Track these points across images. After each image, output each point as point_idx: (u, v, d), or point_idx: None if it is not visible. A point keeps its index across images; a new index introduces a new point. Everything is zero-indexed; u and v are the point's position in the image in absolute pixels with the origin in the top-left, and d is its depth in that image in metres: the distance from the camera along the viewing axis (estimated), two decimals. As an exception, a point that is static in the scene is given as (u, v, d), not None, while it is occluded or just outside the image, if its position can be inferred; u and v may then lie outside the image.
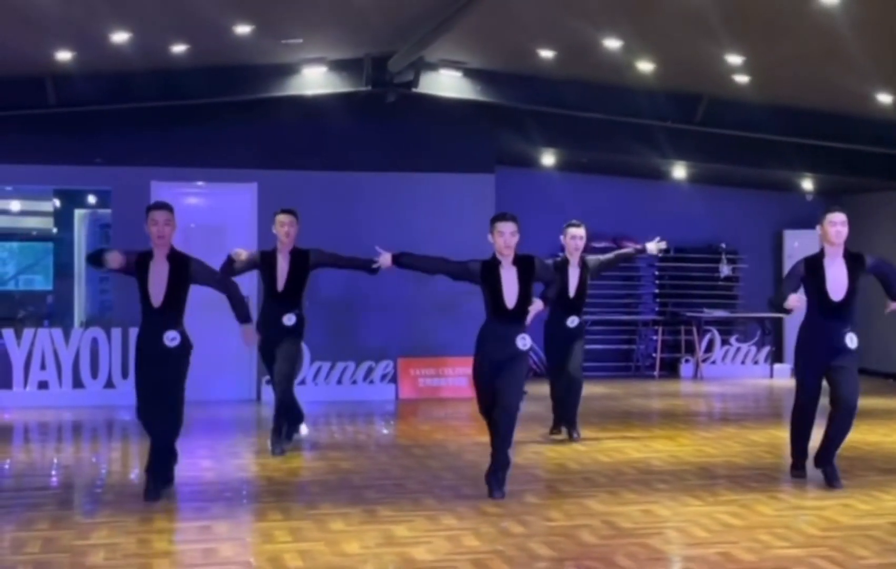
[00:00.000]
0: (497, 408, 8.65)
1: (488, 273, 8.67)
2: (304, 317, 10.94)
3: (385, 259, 9.31)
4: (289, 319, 10.72)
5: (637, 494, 9.02)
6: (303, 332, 10.98)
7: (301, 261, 10.78)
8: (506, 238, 8.60)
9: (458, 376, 15.41)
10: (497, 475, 8.76)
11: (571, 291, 11.42)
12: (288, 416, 10.98)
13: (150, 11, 11.09)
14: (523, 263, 8.70)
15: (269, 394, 14.81)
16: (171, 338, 8.45)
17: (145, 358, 8.57)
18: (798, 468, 9.65)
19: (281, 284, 10.79)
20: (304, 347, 12.56)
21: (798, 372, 9.64)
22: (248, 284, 14.87)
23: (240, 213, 15.09)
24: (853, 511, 8.41)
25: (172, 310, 8.53)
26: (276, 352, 10.74)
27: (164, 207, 8.57)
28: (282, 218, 10.89)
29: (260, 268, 11.01)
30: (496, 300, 8.62)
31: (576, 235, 11.43)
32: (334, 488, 9.24)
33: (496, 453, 8.75)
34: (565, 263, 11.46)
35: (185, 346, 8.59)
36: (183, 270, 8.51)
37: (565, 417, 11.66)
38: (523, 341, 8.61)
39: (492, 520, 8.03)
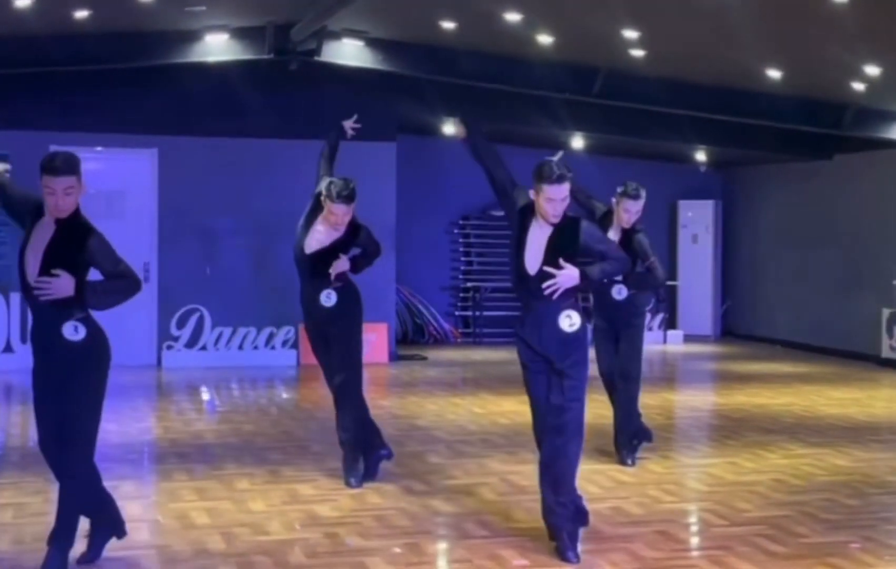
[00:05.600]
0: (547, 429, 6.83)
1: (520, 219, 6.50)
2: (354, 292, 8.16)
3: (460, 130, 7.26)
4: (327, 298, 7.99)
5: (534, 454, 9.23)
6: (358, 312, 8.20)
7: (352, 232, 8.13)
8: (555, 206, 6.33)
9: (359, 342, 15.58)
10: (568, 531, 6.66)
11: None
12: (364, 432, 8.32)
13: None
14: (563, 226, 6.40)
15: (171, 359, 14.94)
16: (72, 329, 5.80)
17: (39, 356, 5.94)
18: None
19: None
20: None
21: None
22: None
23: (140, 178, 15.07)
24: (738, 469, 8.83)
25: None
26: (331, 343, 8.11)
27: (66, 170, 5.73)
28: (336, 209, 7.90)
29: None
30: (516, 261, 6.44)
31: (630, 210, 8.69)
32: (238, 449, 9.39)
33: (559, 498, 6.75)
34: (608, 219, 8.87)
35: (97, 340, 5.91)
36: (73, 245, 5.80)
37: (617, 428, 9.06)
38: (569, 320, 6.61)
39: (395, 479, 8.26)
